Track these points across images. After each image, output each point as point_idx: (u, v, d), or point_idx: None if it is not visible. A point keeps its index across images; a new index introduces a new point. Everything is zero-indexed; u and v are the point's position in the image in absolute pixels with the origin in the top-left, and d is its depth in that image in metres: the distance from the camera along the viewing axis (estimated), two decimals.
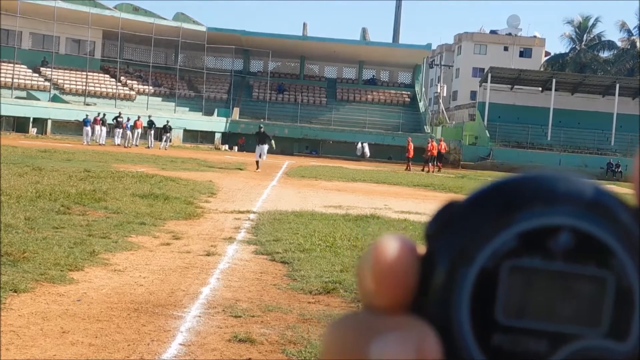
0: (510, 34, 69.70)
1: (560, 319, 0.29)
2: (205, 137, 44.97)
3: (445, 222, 0.31)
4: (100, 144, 34.75)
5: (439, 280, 0.30)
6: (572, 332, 0.29)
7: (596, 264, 0.29)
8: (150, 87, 47.98)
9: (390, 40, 64.86)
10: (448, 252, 0.30)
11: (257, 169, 22.76)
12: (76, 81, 45.95)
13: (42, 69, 45.37)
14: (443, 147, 35.78)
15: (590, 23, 62.78)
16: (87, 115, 36.58)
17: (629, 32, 61.97)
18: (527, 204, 0.29)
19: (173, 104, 46.84)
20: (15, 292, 5.19)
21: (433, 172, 33.32)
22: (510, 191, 0.30)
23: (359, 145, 44.09)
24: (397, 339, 0.28)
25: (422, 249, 0.31)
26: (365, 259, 0.30)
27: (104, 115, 36.67)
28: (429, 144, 34.69)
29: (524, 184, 0.30)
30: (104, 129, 36.29)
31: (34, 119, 38.75)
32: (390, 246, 0.29)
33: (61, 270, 5.96)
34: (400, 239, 0.30)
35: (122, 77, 48.44)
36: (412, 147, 34.24)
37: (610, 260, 0.29)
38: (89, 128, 35.89)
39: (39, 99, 40.75)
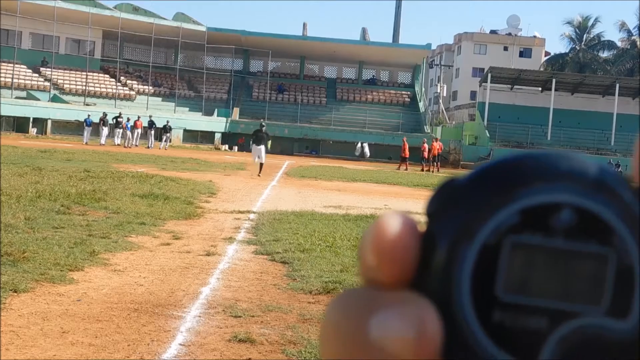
0: (510, 34, 69.71)
1: (561, 296, 0.29)
2: (205, 137, 44.98)
3: (446, 199, 0.31)
4: (101, 144, 34.73)
5: (439, 257, 0.30)
6: (572, 310, 0.29)
7: (597, 241, 0.29)
8: (150, 87, 47.98)
9: (390, 40, 64.88)
10: (449, 228, 0.30)
11: (258, 174, 20.25)
12: (76, 81, 45.95)
13: (42, 69, 45.37)
14: (436, 147, 35.77)
15: (590, 23, 62.80)
16: (88, 115, 36.55)
17: (628, 32, 61.98)
18: (529, 181, 0.29)
19: (173, 104, 46.84)
20: (15, 292, 5.19)
21: (432, 171, 33.48)
22: (512, 168, 0.30)
23: (359, 145, 44.10)
24: (397, 314, 0.28)
25: (423, 226, 0.31)
26: (367, 235, 0.30)
27: (105, 115, 36.66)
28: (422, 145, 35.16)
29: (526, 162, 0.30)
30: (105, 129, 36.28)
31: (34, 119, 38.75)
32: (392, 222, 0.29)
33: (61, 270, 5.96)
34: (402, 216, 0.30)
35: (122, 77, 48.44)
36: (408, 147, 34.56)
37: (611, 238, 0.29)
38: (90, 128, 35.88)
39: (39, 99, 40.75)
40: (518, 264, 0.29)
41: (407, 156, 34.20)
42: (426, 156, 34.74)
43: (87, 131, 35.86)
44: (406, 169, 32.62)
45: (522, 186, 0.29)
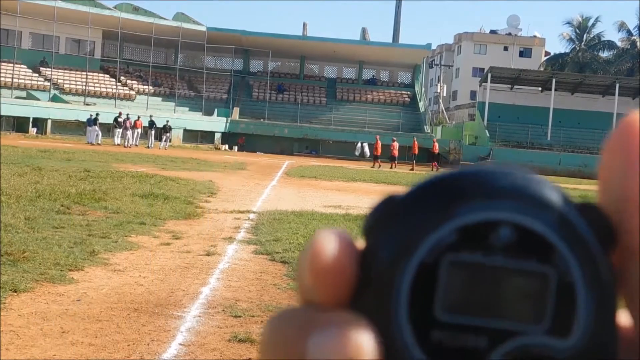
0: (510, 34, 69.71)
1: (501, 315, 0.28)
2: (205, 137, 44.98)
3: (384, 215, 0.30)
4: (97, 144, 34.72)
5: (377, 275, 0.29)
6: (513, 329, 0.28)
7: (537, 259, 0.28)
8: (150, 87, 47.98)
9: (390, 40, 64.90)
10: (386, 246, 0.29)
11: None
12: (76, 81, 45.95)
13: (42, 69, 45.37)
14: (416, 146, 36.88)
15: (590, 23, 62.80)
16: (91, 116, 36.52)
17: (628, 32, 61.99)
18: (468, 197, 0.29)
19: (173, 104, 46.84)
20: (15, 292, 5.19)
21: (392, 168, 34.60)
22: (451, 185, 0.30)
23: (359, 145, 44.11)
24: (333, 336, 0.27)
25: (361, 243, 0.30)
26: (303, 255, 0.29)
27: (97, 115, 36.60)
28: (392, 144, 36.32)
29: (465, 178, 0.30)
30: (96, 128, 36.21)
31: (34, 119, 38.74)
32: (328, 240, 0.29)
33: (61, 270, 5.96)
34: (338, 233, 0.29)
35: (122, 77, 48.44)
36: (380, 146, 35.87)
37: (551, 256, 0.28)
38: (92, 128, 35.85)
39: (38, 99, 40.74)
40: (457, 282, 0.29)
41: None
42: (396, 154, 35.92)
43: (89, 131, 35.81)
44: (379, 167, 33.52)
45: (461, 203, 0.29)
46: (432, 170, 34.58)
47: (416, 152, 37.07)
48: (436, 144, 38.36)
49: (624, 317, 0.30)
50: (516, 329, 0.28)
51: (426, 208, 0.29)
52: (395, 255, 0.29)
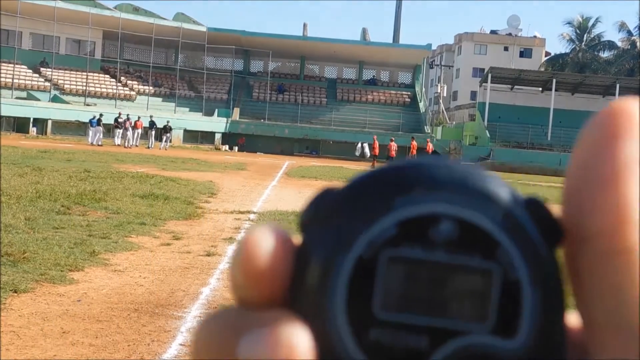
0: (510, 34, 69.70)
1: (443, 314, 0.27)
2: (206, 137, 44.99)
3: (321, 209, 0.29)
4: (98, 145, 34.73)
5: (313, 272, 0.28)
6: (455, 328, 0.27)
7: (481, 255, 0.27)
8: (151, 88, 47.99)
9: (390, 40, 64.89)
10: (323, 241, 0.28)
11: None
12: (76, 81, 45.97)
13: (42, 69, 45.38)
14: (415, 147, 37.50)
15: (590, 23, 62.81)
16: (94, 117, 36.51)
17: (629, 32, 61.99)
18: (407, 190, 0.28)
19: (173, 104, 46.85)
20: (16, 292, 5.19)
21: None
22: (390, 177, 0.28)
23: (359, 145, 44.12)
24: (266, 336, 0.26)
25: (297, 239, 0.29)
26: (236, 252, 0.28)
27: (101, 115, 36.64)
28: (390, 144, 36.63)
29: (405, 170, 0.28)
30: (100, 128, 36.27)
31: (34, 119, 38.75)
32: (261, 237, 0.28)
33: (61, 271, 5.96)
34: (273, 229, 0.28)
35: (122, 78, 48.45)
36: (378, 146, 36.70)
37: (496, 252, 0.27)
38: (94, 129, 35.86)
39: (39, 99, 40.76)
40: (396, 279, 0.27)
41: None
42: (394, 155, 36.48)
43: (92, 131, 35.81)
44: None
45: (400, 196, 0.28)
46: None
47: (415, 152, 37.19)
48: (430, 144, 38.72)
49: (572, 318, 0.29)
50: (459, 329, 0.27)
51: (364, 201, 0.28)
52: (331, 251, 0.27)
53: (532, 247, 0.27)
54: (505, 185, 0.28)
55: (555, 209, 0.28)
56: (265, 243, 0.27)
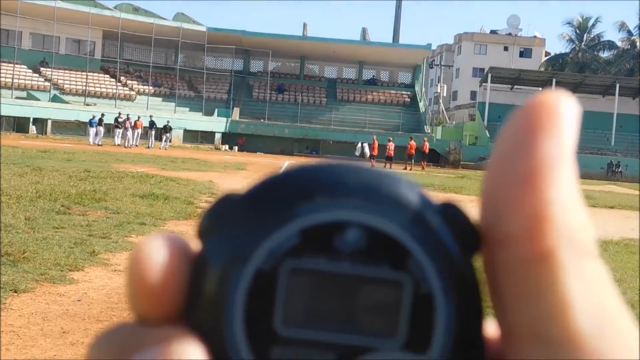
0: (510, 34, 69.73)
1: (350, 329, 0.25)
2: (206, 137, 45.01)
3: (220, 217, 0.26)
4: (98, 144, 34.74)
5: (209, 286, 0.25)
6: (364, 344, 0.25)
7: (390, 265, 0.25)
8: (151, 87, 48.01)
9: (390, 40, 64.91)
10: (220, 252, 0.26)
11: None
12: (76, 81, 45.98)
13: (42, 69, 45.40)
14: (413, 147, 37.71)
15: (590, 23, 62.83)
16: (93, 116, 36.54)
17: (629, 32, 62.01)
18: (312, 196, 0.26)
19: (173, 104, 46.87)
20: (15, 292, 5.19)
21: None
22: (293, 182, 0.26)
23: (359, 145, 44.14)
24: (156, 355, 0.24)
25: (196, 249, 0.27)
26: (127, 264, 0.26)
27: (102, 115, 36.67)
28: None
29: (309, 175, 0.27)
30: (102, 129, 36.29)
31: (34, 119, 38.77)
32: (152, 248, 0.25)
33: (61, 270, 5.96)
34: (167, 239, 0.26)
35: (122, 77, 48.47)
36: (377, 146, 37.00)
37: (406, 262, 0.25)
38: (94, 129, 35.87)
39: (39, 99, 40.78)
40: (299, 292, 0.25)
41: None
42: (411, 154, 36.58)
43: (92, 131, 35.83)
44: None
45: (303, 202, 0.26)
46: (421, 169, 35.03)
47: (412, 152, 37.25)
48: (426, 143, 38.89)
49: (490, 327, 0.27)
50: (367, 345, 0.25)
51: (265, 208, 0.26)
52: (228, 263, 0.25)
53: (446, 255, 0.26)
54: (418, 190, 0.27)
55: (474, 214, 0.26)
56: (157, 255, 0.25)
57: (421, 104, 52.26)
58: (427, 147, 39.04)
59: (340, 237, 0.25)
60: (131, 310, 0.26)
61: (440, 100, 62.06)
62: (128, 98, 47.11)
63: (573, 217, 0.24)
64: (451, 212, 0.27)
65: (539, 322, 0.24)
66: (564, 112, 0.24)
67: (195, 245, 0.27)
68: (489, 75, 46.69)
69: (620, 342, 0.23)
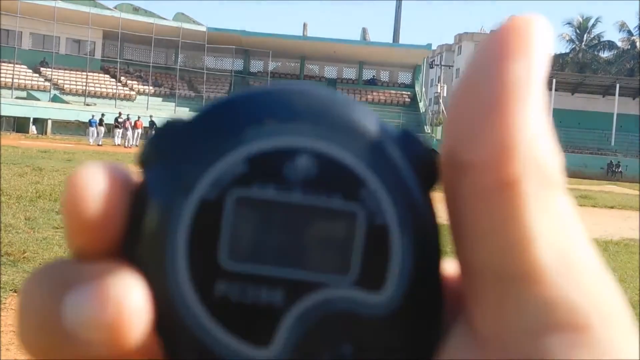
0: None
1: (300, 264, 0.23)
2: None
3: (162, 145, 0.25)
4: (98, 145, 34.74)
5: (151, 218, 0.24)
6: (313, 280, 0.23)
7: (343, 196, 0.23)
8: (151, 87, 48.02)
9: (390, 40, 64.92)
10: (162, 181, 0.24)
11: None
12: (76, 81, 45.99)
13: (42, 69, 45.41)
14: None
15: (590, 23, 62.84)
16: (93, 116, 36.52)
17: (629, 32, 62.02)
18: (259, 121, 0.24)
19: (173, 104, 46.88)
20: (16, 292, 5.19)
21: None
22: (239, 107, 0.24)
23: None
24: (92, 291, 0.22)
25: (138, 179, 0.25)
26: (63, 194, 0.24)
27: (103, 115, 36.69)
28: None
29: (257, 98, 0.24)
30: (102, 129, 36.31)
31: (34, 119, 38.77)
32: (90, 177, 0.23)
33: None
34: (106, 167, 0.24)
35: (122, 77, 48.48)
36: None
37: (360, 192, 0.24)
38: (94, 129, 35.86)
39: (39, 99, 40.79)
40: (245, 224, 0.23)
41: None
42: None
43: (92, 132, 35.82)
44: None
45: (251, 128, 0.24)
46: None
47: None
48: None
49: (450, 266, 0.26)
50: (318, 281, 0.23)
51: (210, 134, 0.24)
52: (171, 193, 0.24)
53: (403, 186, 0.24)
54: (374, 117, 0.25)
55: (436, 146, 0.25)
56: (95, 184, 0.23)
57: (421, 104, 52.28)
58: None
59: (290, 165, 0.24)
60: (69, 246, 0.24)
61: (441, 101, 62.08)
62: (128, 98, 47.12)
63: (540, 146, 0.23)
64: (410, 140, 0.25)
65: (500, 256, 0.22)
66: (534, 34, 0.23)
67: (137, 175, 0.25)
68: None
69: (585, 279, 0.22)
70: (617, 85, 45.58)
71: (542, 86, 0.23)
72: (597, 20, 63.07)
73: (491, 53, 0.23)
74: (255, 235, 0.23)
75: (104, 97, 45.88)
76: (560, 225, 0.22)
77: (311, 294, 0.23)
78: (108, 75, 48.59)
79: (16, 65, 42.33)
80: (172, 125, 0.25)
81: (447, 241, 0.24)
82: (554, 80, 46.00)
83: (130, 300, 0.22)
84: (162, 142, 0.25)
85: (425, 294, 0.24)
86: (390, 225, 0.24)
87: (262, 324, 0.23)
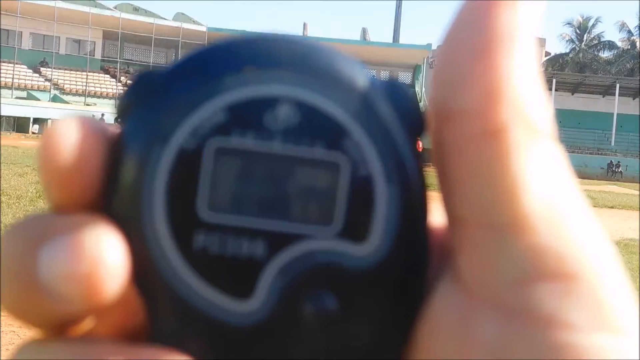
0: None
1: (281, 215, 0.23)
2: None
3: (140, 94, 0.24)
4: None
5: (128, 168, 0.23)
6: (295, 232, 0.23)
7: (326, 145, 0.23)
8: None
9: (390, 40, 64.93)
10: (140, 130, 0.23)
11: None
12: (76, 81, 46.00)
13: (42, 69, 45.41)
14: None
15: (590, 23, 62.85)
16: (93, 116, 36.43)
17: (629, 32, 62.03)
18: (239, 69, 0.23)
19: None
20: None
21: None
22: (218, 55, 0.24)
23: None
24: (65, 245, 0.22)
25: (115, 130, 0.24)
26: (39, 146, 0.23)
27: (103, 115, 36.72)
28: None
29: (237, 46, 0.24)
30: None
31: (34, 119, 38.78)
32: (66, 128, 0.23)
33: None
34: (82, 119, 0.24)
35: (122, 77, 48.48)
36: None
37: (344, 142, 0.23)
38: None
39: (39, 99, 40.80)
40: (225, 174, 0.23)
41: None
42: None
43: None
44: None
45: (230, 76, 0.23)
46: None
47: None
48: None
49: (436, 217, 0.25)
50: (300, 232, 0.23)
51: (188, 82, 0.23)
52: (149, 142, 0.23)
53: (388, 136, 0.24)
54: (359, 66, 0.24)
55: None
56: (71, 135, 0.23)
57: (421, 104, 52.12)
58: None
59: (271, 113, 0.23)
60: (47, 198, 0.24)
61: None
62: None
63: (528, 94, 0.22)
64: (395, 91, 0.25)
65: (487, 205, 0.22)
66: None
67: (116, 127, 0.24)
68: None
69: (573, 228, 0.22)
70: (617, 85, 45.58)
71: (532, 34, 0.22)
72: (597, 20, 63.07)
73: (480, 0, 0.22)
74: (235, 186, 0.23)
75: (104, 97, 45.89)
76: (547, 174, 0.22)
77: (293, 245, 0.23)
78: (108, 75, 48.60)
79: (16, 65, 42.33)
80: (150, 75, 0.24)
81: (433, 192, 0.24)
82: (554, 80, 46.01)
83: (105, 252, 0.22)
84: (139, 92, 0.24)
85: (411, 246, 0.24)
86: (374, 175, 0.23)
87: (242, 276, 0.23)
